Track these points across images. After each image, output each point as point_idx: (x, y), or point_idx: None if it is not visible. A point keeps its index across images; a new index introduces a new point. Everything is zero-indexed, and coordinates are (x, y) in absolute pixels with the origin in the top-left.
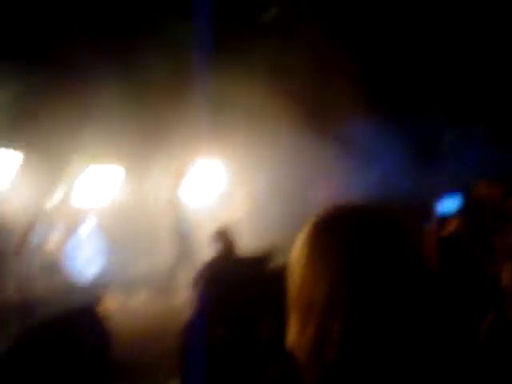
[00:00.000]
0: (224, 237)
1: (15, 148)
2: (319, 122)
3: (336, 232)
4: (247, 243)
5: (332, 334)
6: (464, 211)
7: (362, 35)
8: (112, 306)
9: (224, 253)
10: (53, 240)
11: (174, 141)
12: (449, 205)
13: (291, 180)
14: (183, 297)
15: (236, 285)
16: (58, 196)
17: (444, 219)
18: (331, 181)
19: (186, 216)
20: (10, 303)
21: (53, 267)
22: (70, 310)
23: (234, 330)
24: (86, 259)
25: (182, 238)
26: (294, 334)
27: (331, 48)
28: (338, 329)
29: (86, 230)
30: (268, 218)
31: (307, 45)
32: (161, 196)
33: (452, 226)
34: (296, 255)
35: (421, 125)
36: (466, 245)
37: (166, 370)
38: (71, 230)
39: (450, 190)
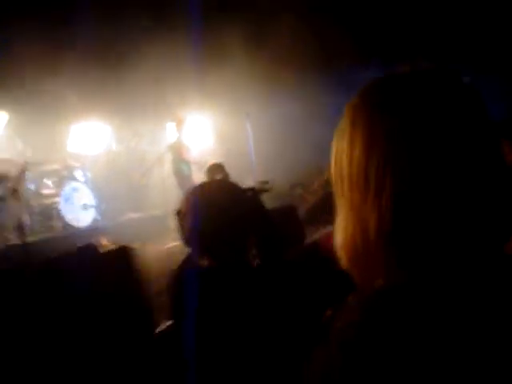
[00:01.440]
0: (219, 169)
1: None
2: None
3: (395, 112)
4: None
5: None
6: None
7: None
8: (107, 249)
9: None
10: (49, 186)
11: (164, 95)
12: None
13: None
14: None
15: (227, 213)
16: (52, 145)
17: None
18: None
19: (187, 160)
20: (11, 248)
21: (49, 212)
22: (67, 253)
23: (227, 261)
24: (80, 205)
25: (182, 180)
26: (344, 228)
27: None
28: (387, 204)
29: (80, 177)
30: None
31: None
32: (151, 149)
33: None
34: (344, 139)
35: None
36: None
37: (159, 311)
38: (66, 176)
39: None
